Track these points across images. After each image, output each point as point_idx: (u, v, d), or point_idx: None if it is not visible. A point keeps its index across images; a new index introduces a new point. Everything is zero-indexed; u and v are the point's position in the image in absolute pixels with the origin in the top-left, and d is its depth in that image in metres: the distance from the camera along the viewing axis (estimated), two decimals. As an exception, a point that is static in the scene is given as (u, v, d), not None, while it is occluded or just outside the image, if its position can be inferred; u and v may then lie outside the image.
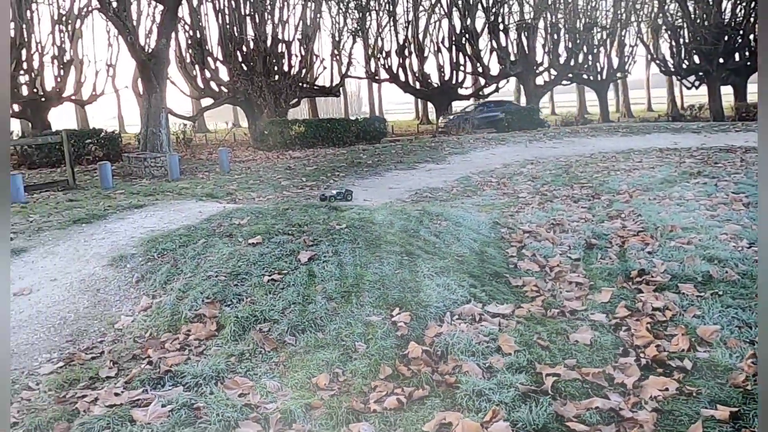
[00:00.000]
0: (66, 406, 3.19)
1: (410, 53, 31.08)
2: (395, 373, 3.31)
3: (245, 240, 5.50)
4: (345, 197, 9.41)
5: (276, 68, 25.11)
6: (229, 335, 3.88)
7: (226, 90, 25.28)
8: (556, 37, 31.60)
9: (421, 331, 3.78)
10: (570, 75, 32.56)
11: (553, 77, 32.46)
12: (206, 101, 26.88)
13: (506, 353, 3.39)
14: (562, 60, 31.69)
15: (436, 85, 31.19)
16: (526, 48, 30.89)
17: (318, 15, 27.34)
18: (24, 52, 23.28)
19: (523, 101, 34.86)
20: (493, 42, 30.49)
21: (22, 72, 23.60)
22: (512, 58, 30.64)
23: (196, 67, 25.37)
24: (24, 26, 23.04)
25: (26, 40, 23.32)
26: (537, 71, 31.61)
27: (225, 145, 22.27)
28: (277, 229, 5.78)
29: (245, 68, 24.60)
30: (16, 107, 24.31)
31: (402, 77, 31.10)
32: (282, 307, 4.15)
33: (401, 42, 30.97)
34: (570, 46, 31.68)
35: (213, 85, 25.48)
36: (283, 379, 3.35)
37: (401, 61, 31.00)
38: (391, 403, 3.01)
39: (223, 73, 25.50)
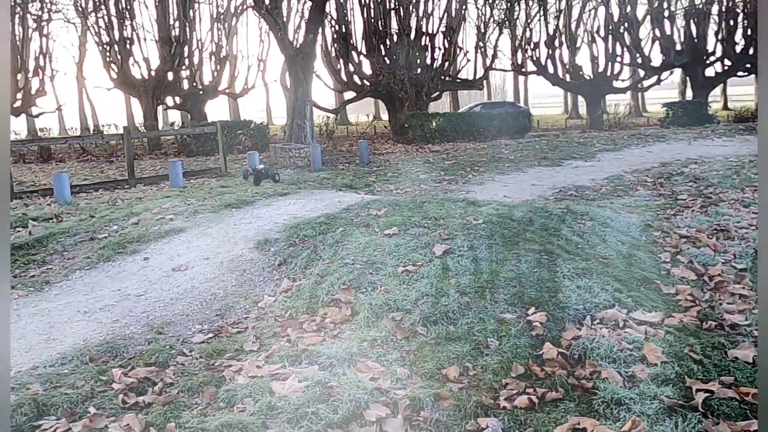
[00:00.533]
0: (214, 373, 3.57)
1: (561, 44, 29.97)
2: (528, 373, 3.30)
3: (381, 230, 5.73)
4: (273, 177, 10.24)
5: (419, 61, 25.54)
6: (362, 321, 4.09)
7: (368, 83, 26.19)
8: (732, 23, 28.74)
9: (557, 333, 3.72)
10: (748, 65, 29.45)
11: (726, 68, 29.58)
12: (349, 94, 28.01)
13: (652, 363, 3.24)
14: (738, 48, 28.76)
15: (588, 78, 29.79)
16: (694, 36, 28.47)
17: (463, 7, 27.35)
18: (186, 49, 25.88)
19: (689, 95, 32.20)
20: (656, 30, 28.46)
21: (183, 67, 26.27)
22: (678, 47, 28.41)
23: (341, 60, 26.54)
24: (187, 25, 25.59)
25: (188, 38, 25.90)
26: (707, 61, 29.00)
27: (365, 138, 23.08)
28: (414, 221, 5.94)
29: (388, 61, 25.30)
30: (177, 99, 27.12)
31: (551, 69, 30.09)
32: (415, 297, 4.28)
33: (551, 32, 29.96)
34: (749, 32, 28.64)
35: (356, 78, 26.51)
36: (413, 367, 3.47)
37: (550, 52, 30.01)
38: (522, 402, 3.01)
39: (366, 67, 26.45)
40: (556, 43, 29.88)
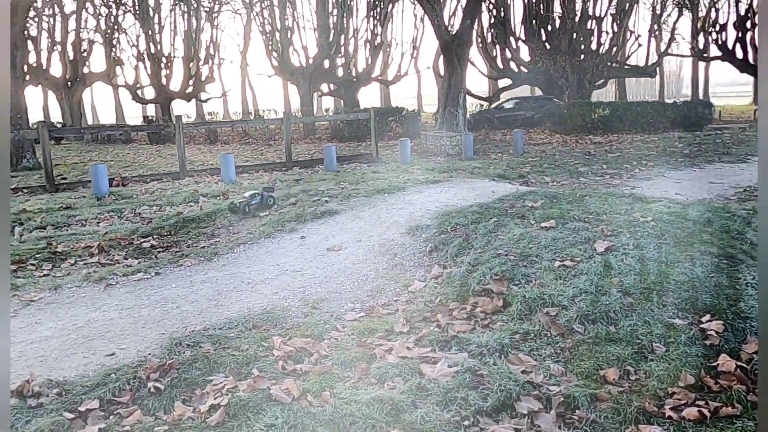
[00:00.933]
0: (366, 350, 3.77)
1: (753, 25, 27.11)
2: (698, 384, 3.12)
3: (537, 223, 5.65)
4: (265, 201, 7.50)
5: (583, 47, 24.50)
6: (515, 313, 4.08)
7: (525, 70, 25.63)
8: None
9: (736, 345, 3.45)
10: None
11: None
12: (504, 82, 27.63)
13: None
14: None
15: (785, 64, 26.63)
16: None
17: (637, -15, 25.76)
18: (342, 37, 27.07)
19: None
20: None
21: (339, 55, 27.51)
22: None
23: (497, 47, 26.23)
24: (344, 13, 26.73)
25: (345, 26, 27.05)
26: None
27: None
28: (573, 215, 5.79)
29: (548, 47, 24.57)
30: (332, 86, 28.51)
31: (739, 54, 27.36)
32: (572, 294, 4.19)
33: (742, 12, 27.20)
34: None
35: (512, 65, 26.07)
36: (568, 365, 3.42)
37: (740, 35, 27.26)
38: (691, 413, 2.86)
39: (524, 53, 25.91)
40: (748, 24, 27.05)
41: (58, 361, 3.72)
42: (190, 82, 30.96)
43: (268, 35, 28.15)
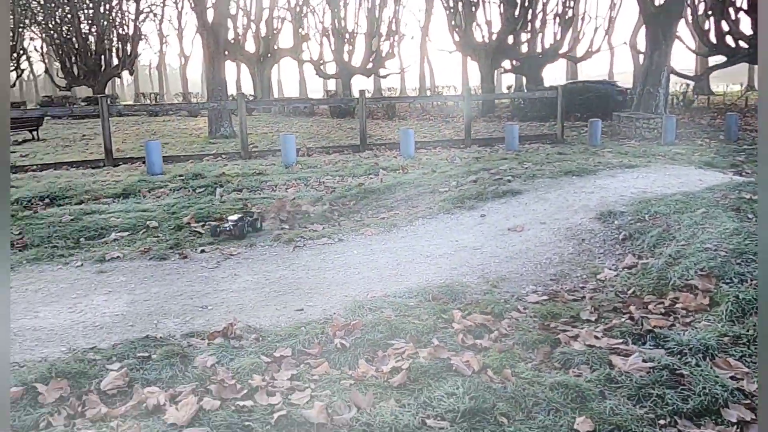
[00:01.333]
0: (549, 334, 3.72)
1: None
2: None
3: (757, 217, 5.14)
4: (251, 225, 6.49)
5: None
6: (724, 314, 3.77)
7: (745, 45, 23.09)
8: None
9: None
10: None
11: None
12: (716, 59, 25.16)
13: None
14: None
15: None
16: None
17: None
18: (530, 11, 26.36)
19: None
20: None
21: (525, 30, 26.85)
22: None
23: (711, 18, 23.90)
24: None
25: (533, 0, 26.31)
26: None
27: (734, 110, 20.57)
28: (801, 209, 5.18)
29: (776, 18, 21.88)
30: (514, 63, 27.94)
31: None
32: (797, 299, 3.77)
33: None
34: None
35: (729, 39, 23.61)
36: (789, 376, 3.10)
37: None
38: None
39: (746, 26, 23.29)
40: None
41: (254, 310, 4.15)
42: (371, 58, 32.13)
43: (451, 10, 28.25)
